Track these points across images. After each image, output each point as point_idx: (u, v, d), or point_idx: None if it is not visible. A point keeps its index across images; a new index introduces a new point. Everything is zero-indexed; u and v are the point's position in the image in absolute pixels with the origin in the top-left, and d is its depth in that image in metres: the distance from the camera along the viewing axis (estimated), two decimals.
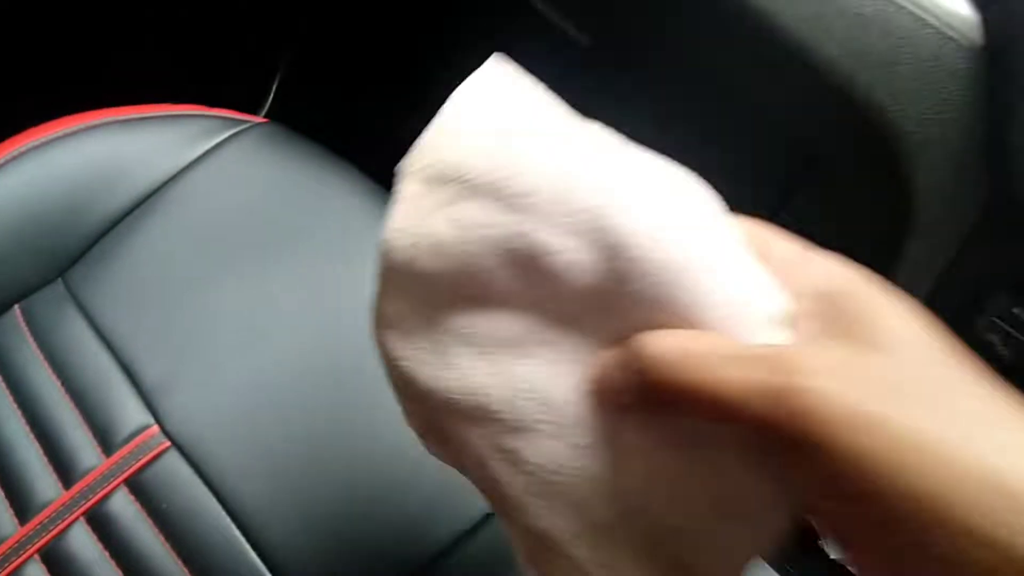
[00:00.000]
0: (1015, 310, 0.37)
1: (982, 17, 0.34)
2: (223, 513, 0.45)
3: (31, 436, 0.47)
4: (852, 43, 0.37)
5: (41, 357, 0.50)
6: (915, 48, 0.35)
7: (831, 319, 0.18)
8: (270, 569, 0.43)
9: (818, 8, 0.37)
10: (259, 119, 0.64)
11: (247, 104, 0.85)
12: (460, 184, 0.21)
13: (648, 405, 0.19)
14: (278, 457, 0.46)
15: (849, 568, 0.17)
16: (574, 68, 0.87)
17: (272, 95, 0.83)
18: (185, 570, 0.43)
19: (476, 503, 0.44)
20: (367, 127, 0.88)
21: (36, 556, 0.44)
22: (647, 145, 0.21)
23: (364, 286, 0.54)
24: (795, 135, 0.48)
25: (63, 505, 0.45)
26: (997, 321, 0.38)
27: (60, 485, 0.45)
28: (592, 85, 0.90)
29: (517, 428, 0.20)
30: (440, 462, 0.24)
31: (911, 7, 0.35)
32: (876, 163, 0.38)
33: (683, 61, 0.57)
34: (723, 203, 0.21)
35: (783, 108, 0.47)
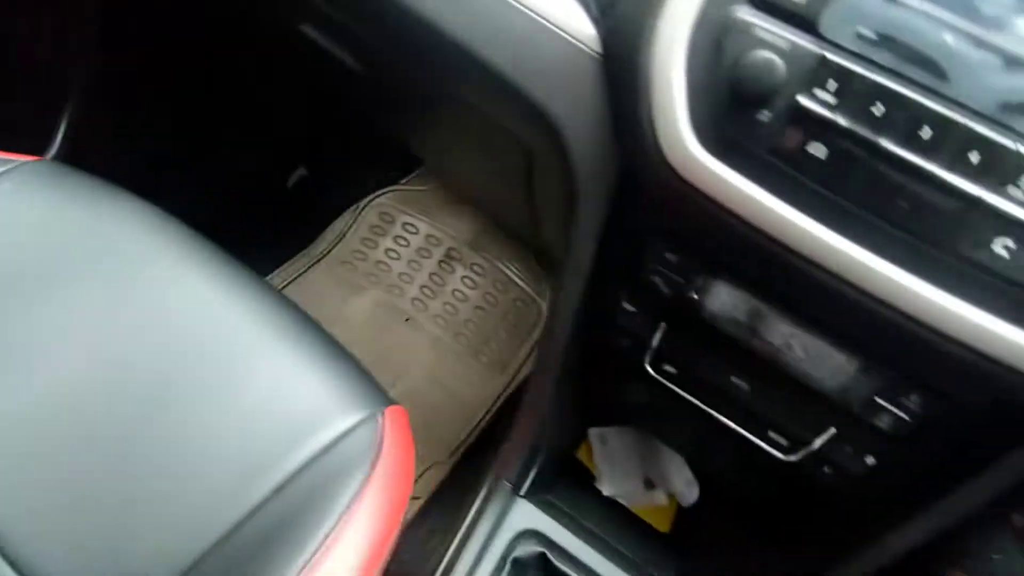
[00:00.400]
0: (667, 254, 0.47)
1: (599, 34, 0.44)
2: None
3: None
4: (518, 59, 0.46)
5: None
6: (558, 60, 0.44)
7: None
8: None
9: (492, 34, 0.46)
10: (31, 157, 0.65)
11: (35, 147, 0.83)
12: None
13: None
14: (42, 485, 0.47)
15: None
16: (352, 91, 0.93)
17: (60, 137, 0.83)
18: None
19: (210, 530, 0.47)
20: (157, 165, 0.89)
21: None
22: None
23: (141, 315, 0.56)
24: (517, 137, 0.57)
25: None
26: (657, 266, 0.47)
27: None
28: (370, 105, 0.97)
29: None
30: None
31: (555, 28, 0.45)
32: (556, 151, 0.47)
33: (435, 86, 0.65)
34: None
35: (504, 114, 0.56)
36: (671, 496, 0.71)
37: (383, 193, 1.30)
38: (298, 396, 0.55)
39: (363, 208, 1.29)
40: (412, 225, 1.27)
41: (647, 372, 0.51)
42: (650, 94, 0.40)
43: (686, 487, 0.69)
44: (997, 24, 0.33)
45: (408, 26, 0.49)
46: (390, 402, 0.59)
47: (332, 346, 0.61)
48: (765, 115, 0.37)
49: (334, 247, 1.27)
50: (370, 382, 0.60)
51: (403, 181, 1.30)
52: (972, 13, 0.33)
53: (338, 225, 1.28)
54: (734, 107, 0.38)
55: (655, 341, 0.49)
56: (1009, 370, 0.35)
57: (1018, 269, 0.34)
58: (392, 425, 0.55)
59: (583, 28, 0.45)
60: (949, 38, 0.34)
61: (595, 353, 0.55)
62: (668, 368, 0.51)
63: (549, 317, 0.51)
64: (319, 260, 1.25)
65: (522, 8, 0.45)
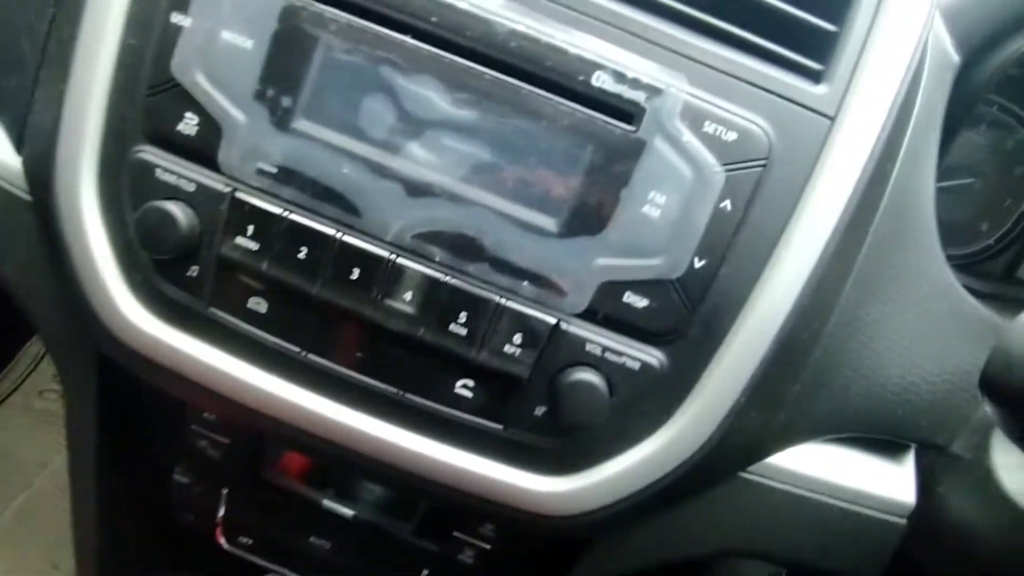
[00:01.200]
0: (204, 414, 0.39)
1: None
2: None
3: None
4: None
5: None
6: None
7: None
8: None
9: None
10: None
11: None
12: None
13: None
14: None
15: None
16: None
17: None
18: None
19: None
20: None
21: None
22: None
23: None
24: None
25: None
26: (196, 427, 0.40)
27: None
28: None
29: None
30: None
31: None
32: None
33: None
34: None
35: None
36: None
37: None
38: None
39: None
40: None
41: (223, 547, 0.43)
42: (69, 248, 0.32)
43: None
44: (393, 148, 0.29)
45: None
46: None
47: None
48: (194, 270, 0.31)
49: (27, 376, 1.07)
50: None
51: None
52: (367, 138, 0.29)
53: (31, 349, 1.08)
54: (159, 264, 0.31)
55: (221, 512, 0.42)
56: (507, 508, 0.31)
57: (483, 408, 0.30)
58: None
59: (13, 164, 0.36)
60: (348, 169, 0.29)
61: (162, 533, 0.46)
62: (244, 539, 0.43)
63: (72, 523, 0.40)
64: (8, 396, 1.05)
65: None
